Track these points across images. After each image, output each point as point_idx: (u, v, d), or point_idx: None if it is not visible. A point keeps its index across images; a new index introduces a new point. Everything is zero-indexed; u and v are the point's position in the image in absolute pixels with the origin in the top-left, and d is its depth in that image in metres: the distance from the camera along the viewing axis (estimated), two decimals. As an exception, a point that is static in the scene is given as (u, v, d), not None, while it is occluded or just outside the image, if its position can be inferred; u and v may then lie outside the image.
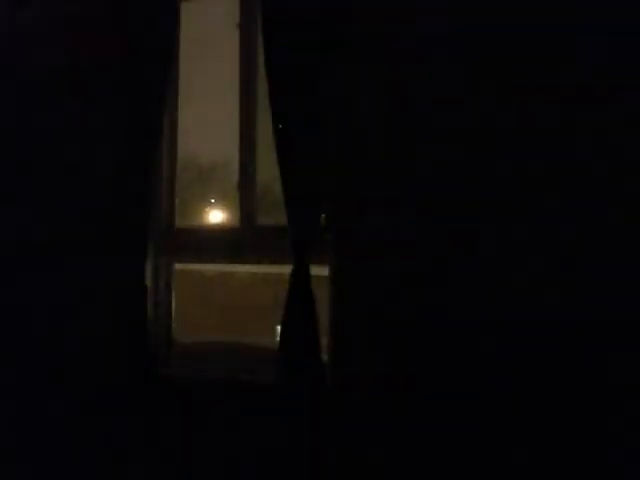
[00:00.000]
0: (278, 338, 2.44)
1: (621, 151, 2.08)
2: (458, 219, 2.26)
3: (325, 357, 2.47)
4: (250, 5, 2.77)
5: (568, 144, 2.13)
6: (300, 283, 2.40)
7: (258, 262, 2.82)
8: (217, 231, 2.94)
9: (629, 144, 2.07)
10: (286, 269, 2.45)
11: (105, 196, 2.83)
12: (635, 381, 2.02)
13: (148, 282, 2.77)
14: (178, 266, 2.94)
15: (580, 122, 2.12)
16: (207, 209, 3.15)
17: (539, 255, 2.15)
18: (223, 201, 3.09)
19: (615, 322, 2.05)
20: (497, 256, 2.20)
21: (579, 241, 2.10)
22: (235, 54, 2.78)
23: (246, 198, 2.75)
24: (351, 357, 2.41)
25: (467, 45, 2.25)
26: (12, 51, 3.05)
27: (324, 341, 2.47)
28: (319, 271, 2.48)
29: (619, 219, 2.07)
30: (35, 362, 2.92)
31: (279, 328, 2.44)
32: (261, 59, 2.56)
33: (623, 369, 2.04)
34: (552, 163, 2.15)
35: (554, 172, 2.14)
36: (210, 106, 2.89)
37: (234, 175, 2.80)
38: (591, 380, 2.07)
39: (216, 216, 3.10)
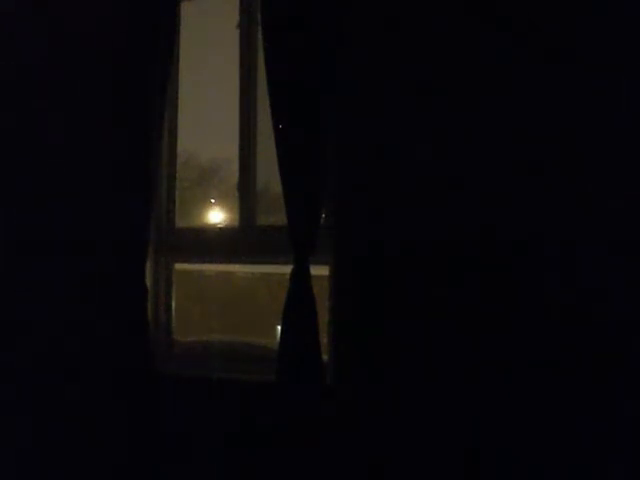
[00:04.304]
0: (278, 338, 2.44)
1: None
2: (458, 218, 2.26)
3: (325, 357, 2.47)
4: (250, 5, 2.77)
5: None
6: (300, 283, 2.40)
7: (258, 262, 2.82)
8: (217, 231, 2.94)
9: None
10: (286, 269, 2.45)
11: (105, 196, 2.83)
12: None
13: (148, 282, 2.77)
14: (178, 266, 2.94)
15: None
16: (207, 209, 3.15)
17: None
18: (223, 201, 3.09)
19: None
20: (499, 256, 2.20)
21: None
22: (235, 54, 2.78)
23: (246, 198, 2.75)
24: (351, 357, 2.41)
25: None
26: (12, 51, 3.06)
27: (324, 341, 2.47)
28: (319, 271, 2.48)
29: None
30: (35, 362, 2.91)
31: (279, 328, 2.44)
32: (261, 59, 2.56)
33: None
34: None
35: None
36: (210, 106, 2.89)
37: (234, 175, 2.80)
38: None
39: (216, 216, 3.10)
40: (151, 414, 2.66)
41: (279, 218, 2.55)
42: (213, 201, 3.15)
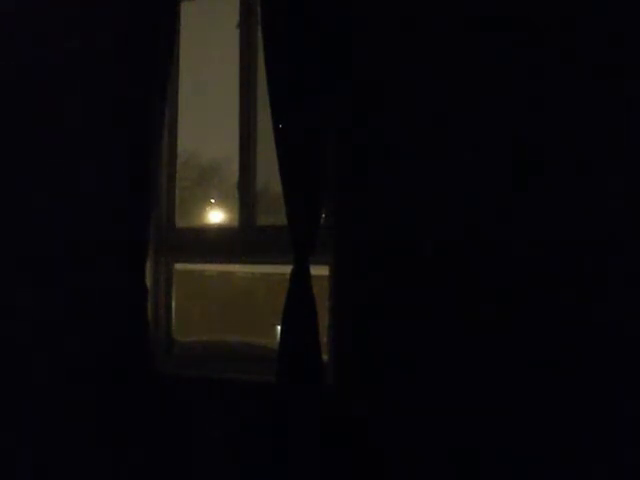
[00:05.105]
0: (278, 338, 2.44)
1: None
2: (459, 218, 2.26)
3: (325, 357, 2.47)
4: (250, 5, 2.77)
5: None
6: (300, 283, 2.40)
7: (258, 262, 2.82)
8: (217, 231, 2.94)
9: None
10: (286, 269, 2.45)
11: (105, 196, 2.83)
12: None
13: (148, 282, 2.77)
14: (178, 266, 2.94)
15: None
16: (207, 209, 3.15)
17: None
18: (223, 201, 3.09)
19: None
20: (501, 256, 2.20)
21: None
22: (235, 54, 2.78)
23: (246, 198, 2.75)
24: (351, 357, 2.41)
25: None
26: (12, 51, 3.06)
27: (324, 341, 2.47)
28: (319, 271, 2.48)
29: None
30: (35, 362, 2.92)
31: (279, 328, 2.44)
32: (261, 59, 2.56)
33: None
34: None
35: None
36: (210, 106, 2.89)
37: (234, 175, 2.80)
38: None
39: (216, 216, 3.10)
40: (151, 414, 2.66)
41: (279, 218, 2.55)
42: (213, 201, 3.15)
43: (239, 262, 2.89)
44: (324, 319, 2.48)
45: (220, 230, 2.95)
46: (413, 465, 2.28)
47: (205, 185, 3.25)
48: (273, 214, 2.72)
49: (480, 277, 2.22)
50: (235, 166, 2.78)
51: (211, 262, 2.97)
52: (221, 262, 2.95)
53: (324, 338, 2.48)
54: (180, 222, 2.95)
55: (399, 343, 2.32)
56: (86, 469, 2.77)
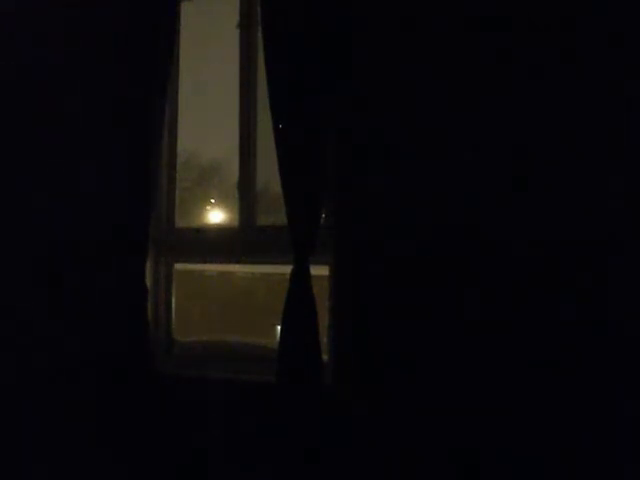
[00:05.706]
0: (278, 338, 2.44)
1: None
2: (458, 218, 2.26)
3: (325, 357, 2.47)
4: (250, 5, 2.77)
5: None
6: (300, 283, 2.40)
7: (258, 262, 2.82)
8: (217, 231, 2.94)
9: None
10: (286, 269, 2.45)
11: (105, 196, 2.83)
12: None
13: (148, 282, 2.77)
14: (178, 266, 2.94)
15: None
16: (207, 209, 3.15)
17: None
18: (223, 201, 3.09)
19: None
20: (500, 256, 2.20)
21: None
22: (235, 54, 2.78)
23: (246, 198, 2.75)
24: (351, 357, 2.41)
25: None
26: (12, 51, 3.06)
27: (324, 341, 2.47)
28: (319, 271, 2.48)
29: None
30: (35, 362, 2.92)
31: (279, 328, 2.44)
32: (261, 59, 2.56)
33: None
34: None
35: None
36: (210, 106, 2.90)
37: (234, 175, 2.80)
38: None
39: (216, 216, 3.10)
40: (151, 414, 2.66)
41: (279, 218, 2.55)
42: (213, 201, 3.15)
43: (239, 262, 2.89)
44: (324, 319, 2.48)
45: (220, 230, 2.95)
46: (413, 465, 2.28)
47: (205, 185, 3.25)
48: (273, 214, 2.72)
49: (480, 277, 2.22)
50: (235, 166, 2.78)
51: (211, 262, 2.97)
52: (221, 262, 2.95)
53: (324, 338, 2.48)
54: (180, 222, 2.95)
55: (399, 343, 2.32)
56: (86, 469, 2.77)
